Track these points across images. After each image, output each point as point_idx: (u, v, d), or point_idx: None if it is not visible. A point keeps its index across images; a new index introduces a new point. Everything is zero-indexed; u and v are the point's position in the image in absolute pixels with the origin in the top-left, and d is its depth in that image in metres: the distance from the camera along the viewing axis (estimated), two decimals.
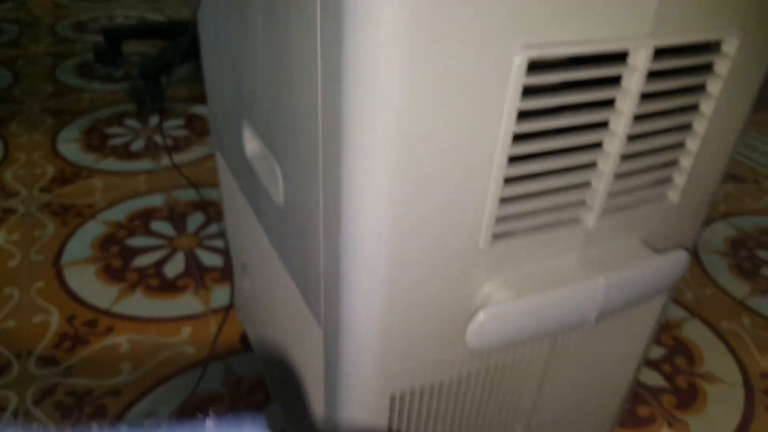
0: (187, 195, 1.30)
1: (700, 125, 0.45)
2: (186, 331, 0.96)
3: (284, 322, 0.59)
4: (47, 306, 0.99)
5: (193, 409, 0.83)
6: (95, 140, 1.50)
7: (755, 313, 1.09)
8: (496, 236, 0.41)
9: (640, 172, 0.45)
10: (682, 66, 0.40)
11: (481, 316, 0.41)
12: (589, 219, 0.44)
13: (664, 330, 1.03)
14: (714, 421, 0.88)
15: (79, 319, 0.97)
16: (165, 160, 1.43)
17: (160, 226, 1.20)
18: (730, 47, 0.41)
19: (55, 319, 0.97)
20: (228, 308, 1.00)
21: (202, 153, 1.45)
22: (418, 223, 0.38)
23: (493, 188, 0.38)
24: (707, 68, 0.42)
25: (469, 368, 0.48)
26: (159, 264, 1.10)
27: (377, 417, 0.46)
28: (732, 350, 1.01)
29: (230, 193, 0.70)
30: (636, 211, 0.47)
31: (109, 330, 0.95)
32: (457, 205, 0.38)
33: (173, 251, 1.13)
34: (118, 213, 1.23)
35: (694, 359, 0.98)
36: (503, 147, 0.37)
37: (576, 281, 0.43)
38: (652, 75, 0.39)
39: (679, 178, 0.47)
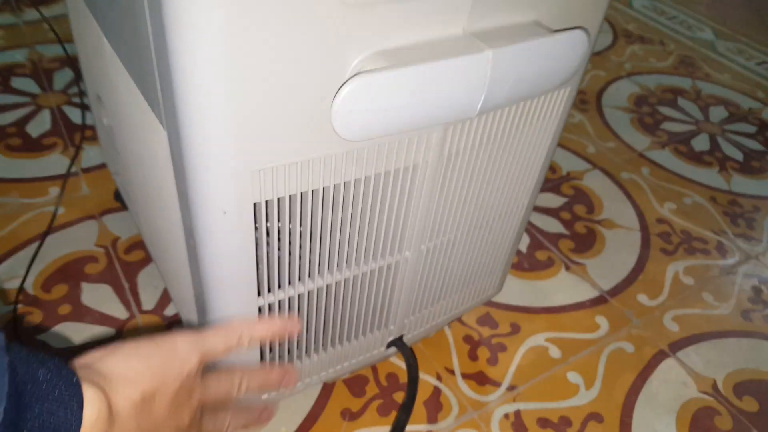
0: (54, 50, 1.15)
1: None
2: (54, 191, 0.86)
3: (135, 138, 0.51)
4: None
5: (62, 271, 0.75)
6: None
7: (654, 164, 1.09)
8: None
9: None
10: None
11: (347, 87, 0.34)
12: None
13: (565, 180, 1.02)
14: (611, 262, 0.88)
15: None
16: (28, 14, 1.25)
17: (23, 83, 1.06)
18: None
19: None
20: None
21: None
22: None
23: None
24: None
25: (345, 174, 0.42)
26: (21, 122, 0.97)
27: (239, 229, 0.40)
28: (631, 198, 1.01)
29: (74, 5, 0.60)
30: None
31: None
32: None
33: (38, 109, 1.01)
34: None
35: (593, 207, 0.97)
36: None
37: (460, 54, 0.37)
38: None
39: None
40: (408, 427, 0.64)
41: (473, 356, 0.71)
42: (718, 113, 1.26)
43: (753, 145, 1.18)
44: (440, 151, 0.46)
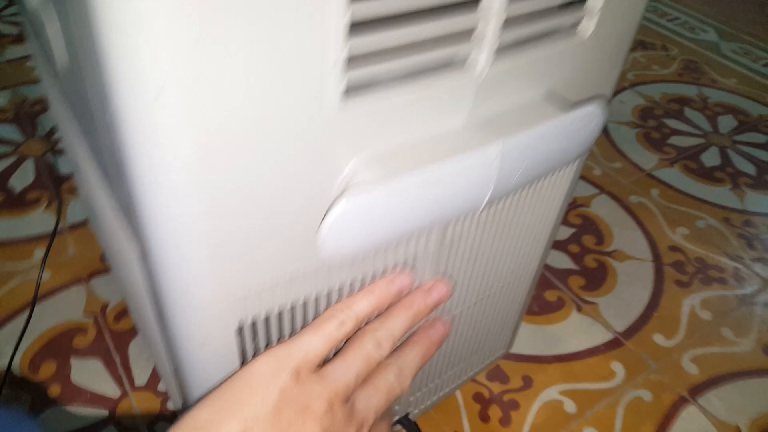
0: (38, 91, 1.11)
1: None
2: (39, 253, 0.82)
3: (111, 232, 0.47)
4: None
5: (49, 345, 0.71)
6: None
7: (663, 184, 1.05)
8: (351, 90, 0.29)
9: None
10: None
11: (336, 209, 0.30)
12: (481, 58, 0.32)
13: (572, 208, 0.98)
14: (624, 299, 0.84)
15: None
16: (9, 52, 1.21)
17: (5, 130, 1.02)
18: None
19: None
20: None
21: None
22: (228, 71, 0.25)
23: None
24: None
25: (339, 279, 0.38)
26: (4, 176, 0.94)
27: (223, 354, 0.36)
28: (641, 225, 0.97)
29: (45, 72, 0.56)
30: (541, 52, 0.36)
31: None
32: (281, 37, 0.25)
33: (21, 159, 0.97)
34: None
35: (603, 237, 0.93)
36: None
37: (464, 150, 0.33)
38: None
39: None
40: None
41: (484, 417, 0.67)
42: (726, 123, 1.22)
43: (766, 156, 1.14)
44: (441, 239, 0.42)
